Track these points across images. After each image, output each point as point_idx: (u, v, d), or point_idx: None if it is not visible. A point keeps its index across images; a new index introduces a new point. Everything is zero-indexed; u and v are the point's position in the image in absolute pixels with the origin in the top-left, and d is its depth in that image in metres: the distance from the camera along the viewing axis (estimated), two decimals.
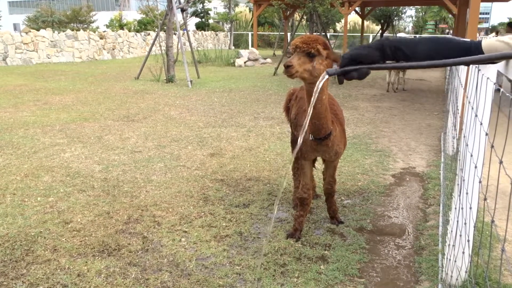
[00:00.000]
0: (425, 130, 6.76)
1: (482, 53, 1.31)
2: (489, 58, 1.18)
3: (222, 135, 6.20)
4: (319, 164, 3.87)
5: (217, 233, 3.24)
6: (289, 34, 23.51)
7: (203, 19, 34.25)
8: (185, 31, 14.87)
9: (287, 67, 2.46)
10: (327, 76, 1.46)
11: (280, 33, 25.76)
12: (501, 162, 1.29)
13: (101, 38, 19.98)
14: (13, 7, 53.91)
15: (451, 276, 2.41)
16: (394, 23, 30.61)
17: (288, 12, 23.46)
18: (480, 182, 1.89)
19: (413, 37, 1.62)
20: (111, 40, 20.61)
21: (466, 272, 2.36)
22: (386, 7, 28.26)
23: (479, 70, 1.96)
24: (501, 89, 1.50)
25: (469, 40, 1.38)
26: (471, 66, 2.30)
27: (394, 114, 8.03)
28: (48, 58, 17.45)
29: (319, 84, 1.52)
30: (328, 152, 3.04)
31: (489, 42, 1.31)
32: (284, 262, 2.83)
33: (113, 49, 20.72)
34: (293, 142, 3.77)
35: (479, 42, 1.33)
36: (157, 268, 2.76)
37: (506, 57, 1.13)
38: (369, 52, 1.36)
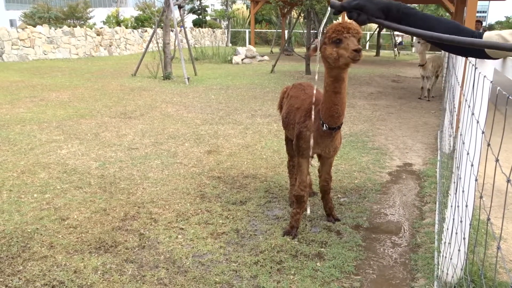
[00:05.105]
0: (421, 128, 6.78)
1: None
2: (494, 45, 1.19)
3: (219, 132, 6.19)
4: (315, 162, 3.87)
5: (214, 230, 3.24)
6: (286, 31, 23.49)
7: (200, 16, 34.18)
8: (182, 28, 14.83)
9: (360, 50, 2.37)
10: (329, 9, 1.55)
11: (278, 30, 25.72)
12: (497, 160, 1.30)
13: (98, 35, 19.89)
14: (9, 3, 53.63)
15: (447, 274, 2.43)
16: None
17: (286, 9, 23.43)
18: (476, 180, 1.90)
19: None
20: (108, 36, 20.52)
21: (461, 269, 2.37)
22: None
23: (476, 68, 1.96)
24: (498, 88, 1.51)
25: (473, 29, 1.42)
26: (468, 64, 2.31)
27: (391, 112, 8.05)
28: (45, 54, 17.36)
29: (327, 14, 1.70)
30: (329, 147, 3.04)
31: (488, 35, 1.35)
32: (280, 259, 2.84)
33: (110, 46, 20.64)
34: (287, 140, 3.76)
35: (481, 33, 1.40)
36: (153, 265, 2.76)
37: (505, 48, 1.13)
38: (372, 9, 1.39)
